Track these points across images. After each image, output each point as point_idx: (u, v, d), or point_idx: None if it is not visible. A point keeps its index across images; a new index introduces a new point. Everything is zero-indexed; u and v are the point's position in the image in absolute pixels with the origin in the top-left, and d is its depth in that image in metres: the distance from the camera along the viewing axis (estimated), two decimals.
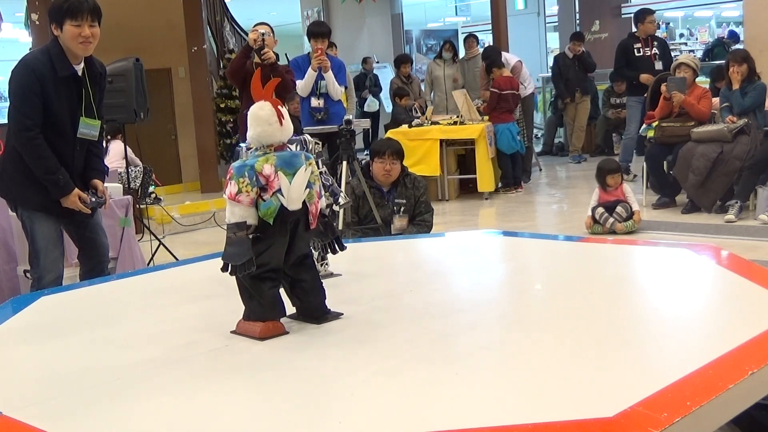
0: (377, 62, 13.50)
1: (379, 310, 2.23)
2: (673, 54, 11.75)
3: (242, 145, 2.46)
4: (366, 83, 12.77)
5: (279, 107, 2.03)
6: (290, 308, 2.14)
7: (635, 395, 1.48)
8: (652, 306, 2.23)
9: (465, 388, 1.63)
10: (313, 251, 2.19)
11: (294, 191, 1.98)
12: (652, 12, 8.97)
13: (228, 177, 2.01)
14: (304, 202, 2.03)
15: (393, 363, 1.81)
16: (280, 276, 2.07)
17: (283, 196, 1.97)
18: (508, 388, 1.63)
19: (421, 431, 1.45)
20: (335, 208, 2.58)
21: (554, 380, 1.64)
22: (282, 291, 2.11)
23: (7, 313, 2.51)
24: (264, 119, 2.01)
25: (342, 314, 2.16)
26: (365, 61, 13.18)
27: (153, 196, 8.39)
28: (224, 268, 2.01)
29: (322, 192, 2.14)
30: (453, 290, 2.55)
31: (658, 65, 8.55)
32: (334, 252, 2.24)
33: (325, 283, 2.18)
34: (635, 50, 8.57)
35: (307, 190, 2.02)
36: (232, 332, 2.09)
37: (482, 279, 2.64)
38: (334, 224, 2.27)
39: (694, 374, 1.59)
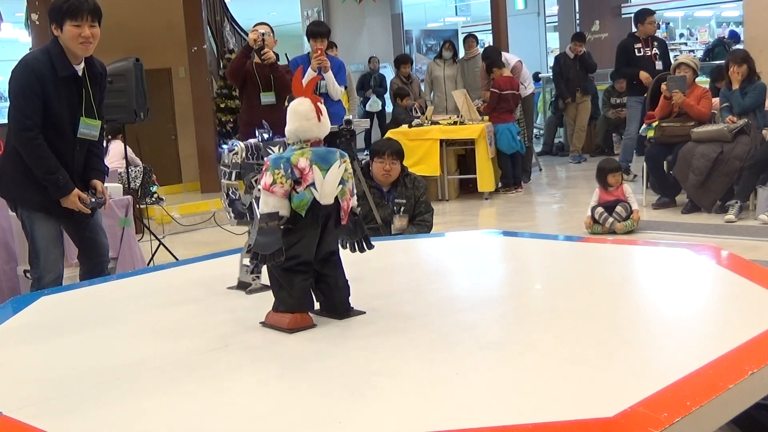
0: (368, 62, 13.51)
1: (378, 310, 2.23)
2: (673, 54, 11.75)
3: (225, 146, 2.46)
4: (371, 83, 12.80)
5: (318, 104, 2.08)
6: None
7: (635, 395, 1.48)
8: (652, 306, 2.23)
9: (465, 388, 1.63)
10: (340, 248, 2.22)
11: (327, 186, 2.02)
12: (652, 13, 8.98)
13: (264, 168, 2.04)
14: (336, 198, 2.06)
15: (393, 363, 1.81)
16: (310, 269, 2.10)
17: (316, 189, 2.01)
18: (508, 388, 1.63)
19: (421, 431, 1.45)
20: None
21: (554, 380, 1.64)
22: None
23: (7, 313, 2.51)
24: (303, 114, 2.06)
25: (364, 312, 2.18)
26: (370, 60, 13.23)
27: (156, 195, 8.40)
28: (254, 257, 2.04)
29: (354, 190, 2.17)
30: (453, 290, 2.55)
31: (658, 65, 8.56)
32: (362, 250, 2.26)
33: None
34: (635, 50, 8.57)
35: (340, 186, 2.06)
36: (261, 323, 2.11)
37: (482, 279, 2.64)
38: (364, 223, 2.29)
39: (694, 374, 1.59)
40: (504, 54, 9.40)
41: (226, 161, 2.46)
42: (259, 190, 2.13)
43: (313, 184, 2.01)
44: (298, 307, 2.07)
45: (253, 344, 2.01)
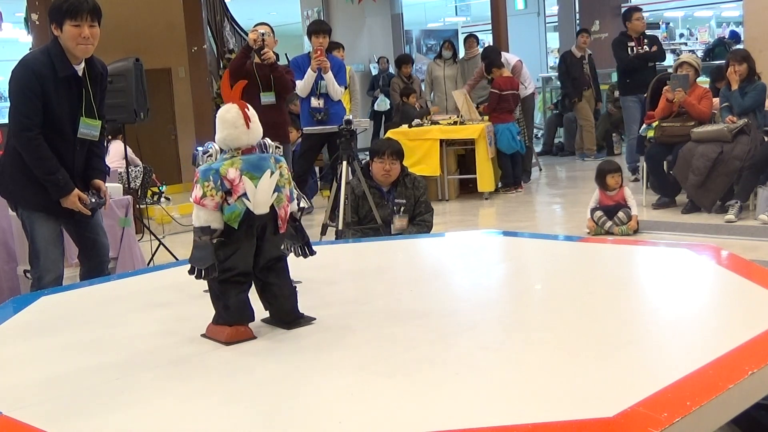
0: (377, 62, 13.52)
1: (378, 310, 2.23)
2: (673, 55, 11.73)
3: (199, 149, 2.43)
4: (380, 83, 12.82)
5: (246, 110, 2.00)
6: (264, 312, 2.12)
7: (635, 395, 1.48)
8: (652, 306, 2.23)
9: (465, 388, 1.63)
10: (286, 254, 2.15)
11: (260, 195, 1.96)
12: (638, 9, 8.96)
13: (194, 180, 1.98)
14: (272, 206, 2.00)
15: (393, 363, 1.81)
16: (249, 280, 2.04)
17: (248, 200, 1.95)
18: (508, 388, 1.63)
19: (421, 431, 1.45)
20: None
21: (554, 380, 1.64)
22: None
23: (8, 313, 2.51)
24: (230, 122, 1.99)
25: (315, 319, 2.13)
26: (379, 61, 13.28)
27: (161, 195, 8.40)
28: (191, 271, 2.00)
29: (293, 195, 2.10)
30: (453, 290, 2.55)
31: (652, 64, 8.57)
32: (305, 256, 2.19)
33: (327, 282, 2.18)
34: (629, 48, 8.56)
35: (276, 194, 2.00)
36: (202, 335, 2.07)
37: (482, 279, 2.64)
38: (305, 229, 2.23)
39: (694, 374, 1.59)
40: (504, 54, 9.39)
41: (200, 163, 2.42)
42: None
43: (245, 195, 1.94)
44: (235, 320, 2.02)
45: (253, 344, 2.01)
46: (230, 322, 2.02)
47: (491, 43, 10.84)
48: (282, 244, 2.10)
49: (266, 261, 2.05)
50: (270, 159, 2.01)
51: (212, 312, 2.05)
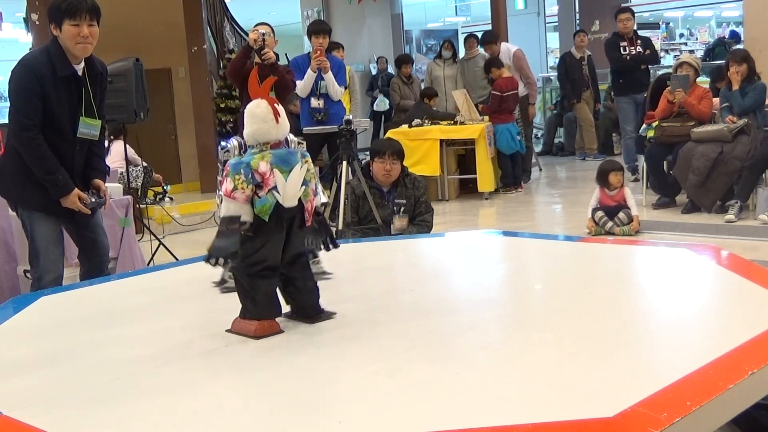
0: (376, 62, 13.52)
1: (379, 310, 2.23)
2: (673, 54, 11.70)
3: (223, 144, 2.46)
4: (379, 83, 12.80)
5: (275, 105, 2.04)
6: (284, 307, 2.14)
7: (635, 395, 1.48)
8: (652, 306, 2.23)
9: (465, 388, 1.63)
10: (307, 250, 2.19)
11: (290, 188, 2.00)
12: (624, 10, 8.93)
13: (224, 174, 2.02)
14: (299, 200, 2.04)
15: (393, 363, 1.81)
16: (276, 274, 2.07)
17: (278, 193, 1.98)
18: (508, 388, 1.63)
19: (421, 431, 1.45)
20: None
21: (554, 380, 1.64)
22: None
23: (7, 313, 2.51)
24: (260, 117, 2.03)
25: (335, 313, 2.16)
26: (378, 61, 13.27)
27: (164, 194, 8.41)
28: (208, 260, 2.01)
29: (318, 190, 2.15)
30: (453, 290, 2.55)
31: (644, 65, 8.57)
32: (328, 249, 2.24)
33: (327, 282, 2.18)
34: (621, 48, 8.55)
35: (303, 187, 2.04)
36: (227, 331, 2.09)
37: (482, 279, 2.64)
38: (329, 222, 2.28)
39: (694, 374, 1.59)
40: (504, 44, 9.39)
41: (221, 158, 2.47)
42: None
43: (275, 188, 1.98)
44: (264, 314, 2.04)
45: (253, 344, 2.01)
46: (259, 316, 2.04)
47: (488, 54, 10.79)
48: (305, 239, 2.14)
49: (291, 255, 2.08)
50: (297, 153, 2.06)
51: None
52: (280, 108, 2.06)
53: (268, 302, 2.05)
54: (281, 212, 2.00)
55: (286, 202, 2.00)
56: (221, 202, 2.48)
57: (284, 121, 2.05)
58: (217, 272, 2.54)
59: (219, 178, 2.47)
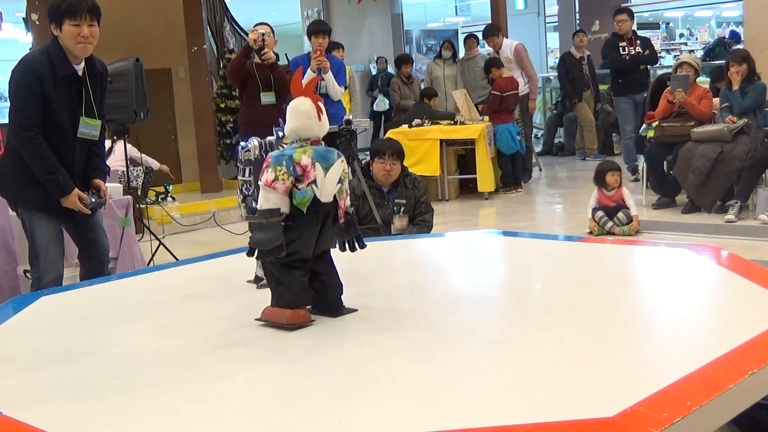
0: (376, 62, 13.52)
1: (379, 310, 2.23)
2: (673, 54, 11.70)
3: (243, 143, 2.49)
4: (379, 83, 12.80)
5: (319, 103, 2.12)
6: None
7: (635, 395, 1.48)
8: (652, 306, 2.23)
9: (465, 388, 1.63)
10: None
11: (328, 184, 2.05)
12: (622, 10, 8.94)
13: (265, 165, 2.07)
14: (334, 196, 2.09)
15: (393, 363, 1.81)
16: (308, 267, 2.12)
17: (317, 187, 2.03)
18: (507, 387, 1.63)
19: (421, 431, 1.45)
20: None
21: (554, 380, 1.64)
22: None
23: (8, 313, 2.51)
24: (304, 113, 2.10)
25: (356, 310, 2.20)
26: (378, 61, 13.28)
27: (167, 194, 8.40)
28: (250, 253, 2.06)
29: (349, 190, 2.20)
30: (453, 290, 2.55)
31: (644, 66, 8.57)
32: (353, 250, 2.28)
33: None
34: (620, 48, 8.55)
35: (339, 184, 2.09)
36: (256, 319, 2.12)
37: (482, 279, 2.64)
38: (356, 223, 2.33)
39: (694, 374, 1.59)
40: (505, 41, 9.39)
41: (241, 158, 2.49)
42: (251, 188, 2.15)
43: (314, 182, 2.03)
44: (297, 302, 2.09)
45: (253, 344, 2.01)
46: (293, 304, 2.08)
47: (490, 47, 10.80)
48: (333, 236, 2.19)
49: (319, 251, 2.13)
50: (335, 152, 2.12)
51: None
52: (323, 106, 2.14)
53: (302, 291, 2.10)
54: (317, 206, 2.06)
55: (324, 197, 2.05)
56: (242, 200, 2.50)
57: (326, 119, 2.13)
58: (252, 268, 2.55)
59: (240, 178, 2.50)
